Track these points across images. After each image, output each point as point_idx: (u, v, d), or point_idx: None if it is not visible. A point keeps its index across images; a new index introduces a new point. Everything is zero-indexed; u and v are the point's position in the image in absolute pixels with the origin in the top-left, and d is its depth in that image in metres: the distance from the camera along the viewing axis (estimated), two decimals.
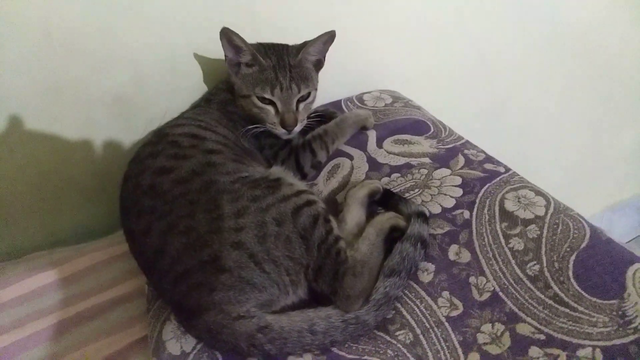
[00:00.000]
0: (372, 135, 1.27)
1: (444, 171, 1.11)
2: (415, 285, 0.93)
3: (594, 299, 0.82)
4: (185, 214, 0.88)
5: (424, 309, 0.89)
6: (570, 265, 0.87)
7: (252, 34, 1.15)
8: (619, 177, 2.77)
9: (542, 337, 0.80)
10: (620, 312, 0.80)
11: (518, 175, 1.08)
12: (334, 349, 0.85)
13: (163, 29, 1.21)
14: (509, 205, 0.99)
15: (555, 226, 0.94)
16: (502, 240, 0.94)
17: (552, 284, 0.86)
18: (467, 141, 1.23)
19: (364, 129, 1.29)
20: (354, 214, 1.02)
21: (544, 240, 0.92)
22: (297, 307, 0.90)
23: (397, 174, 1.13)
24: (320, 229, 0.90)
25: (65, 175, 1.25)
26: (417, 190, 1.08)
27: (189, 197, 0.90)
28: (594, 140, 2.52)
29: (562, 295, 0.84)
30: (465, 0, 1.69)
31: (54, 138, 1.19)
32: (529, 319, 0.83)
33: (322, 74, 1.23)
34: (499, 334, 0.83)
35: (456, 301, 0.88)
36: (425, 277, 0.93)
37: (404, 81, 1.64)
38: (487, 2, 1.74)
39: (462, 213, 1.01)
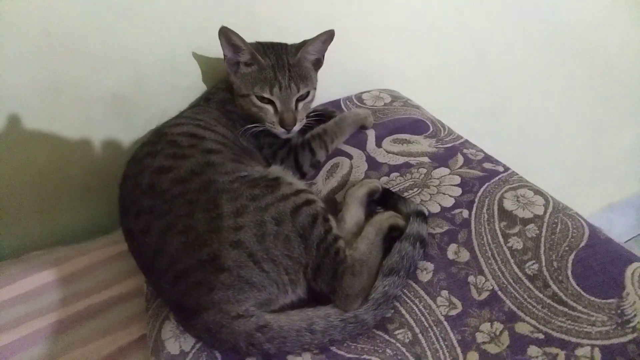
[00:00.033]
0: (371, 134, 1.27)
1: (443, 170, 1.11)
2: (414, 285, 0.93)
3: (593, 298, 0.82)
4: (184, 214, 0.88)
5: (422, 308, 0.89)
6: (569, 265, 0.87)
7: (252, 34, 1.16)
8: (618, 177, 2.77)
9: (541, 336, 0.80)
10: (618, 311, 0.80)
11: (517, 174, 1.08)
12: (333, 348, 0.85)
13: (163, 29, 1.21)
14: (508, 205, 0.99)
15: (554, 225, 0.94)
16: (501, 240, 0.94)
17: (551, 283, 0.86)
18: (466, 140, 1.23)
19: (363, 128, 1.29)
20: (353, 213, 1.02)
21: (542, 239, 0.92)
22: (296, 307, 0.90)
23: (396, 173, 1.13)
24: (319, 228, 0.90)
25: (65, 174, 1.25)
26: (416, 189, 1.08)
27: (188, 196, 0.90)
28: (594, 140, 2.52)
29: (561, 294, 0.84)
30: (465, 0, 1.69)
31: (53, 137, 1.19)
32: (527, 318, 0.83)
33: (322, 74, 1.23)
34: (497, 333, 0.82)
35: (455, 300, 0.88)
36: (424, 277, 0.93)
37: (404, 81, 1.64)
38: (487, 2, 1.75)
39: (461, 212, 1.01)
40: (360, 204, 1.04)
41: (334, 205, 1.09)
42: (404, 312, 0.89)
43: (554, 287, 0.85)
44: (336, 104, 1.46)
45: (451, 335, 0.84)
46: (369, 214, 1.04)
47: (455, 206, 1.03)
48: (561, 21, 1.98)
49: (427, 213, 1.01)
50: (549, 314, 0.82)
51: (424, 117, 1.34)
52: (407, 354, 0.83)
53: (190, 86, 1.30)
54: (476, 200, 1.02)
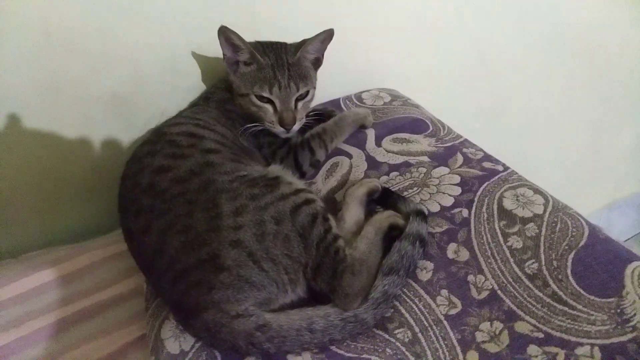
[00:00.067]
0: (370, 133, 1.27)
1: (443, 170, 1.12)
2: (413, 284, 0.92)
3: (593, 297, 0.82)
4: (183, 213, 0.88)
5: (422, 308, 0.89)
6: (569, 264, 0.87)
7: (252, 34, 1.16)
8: (618, 176, 2.77)
9: (541, 335, 0.80)
10: (618, 310, 0.80)
11: (517, 173, 1.08)
12: (333, 348, 0.85)
13: (163, 29, 1.21)
14: (508, 204, 0.99)
15: (554, 224, 0.94)
16: (501, 239, 0.94)
17: (551, 282, 0.86)
18: (466, 140, 1.23)
19: (362, 127, 1.29)
20: (353, 212, 1.02)
21: (542, 238, 0.92)
22: (296, 306, 0.89)
23: (396, 173, 1.13)
24: (319, 228, 0.90)
25: (64, 174, 1.25)
26: (415, 188, 1.08)
27: (187, 196, 0.90)
28: (594, 140, 2.52)
29: (561, 293, 0.84)
30: (465, 0, 1.69)
31: (53, 137, 1.19)
32: (527, 317, 0.83)
33: (322, 74, 1.23)
34: (497, 332, 0.82)
35: (455, 299, 0.88)
36: (424, 276, 0.93)
37: (404, 81, 1.64)
38: (487, 2, 1.75)
39: (460, 211, 1.01)
40: (360, 203, 1.04)
41: (333, 204, 1.09)
42: (403, 311, 0.89)
43: (553, 286, 0.85)
44: (336, 103, 1.47)
45: (451, 334, 0.84)
46: (369, 213, 1.04)
47: (455, 205, 1.03)
48: (561, 21, 1.98)
49: (426, 212, 1.01)
50: (549, 313, 0.82)
51: (424, 116, 1.34)
52: (406, 353, 0.83)
53: (189, 86, 1.30)
54: (476, 199, 1.02)
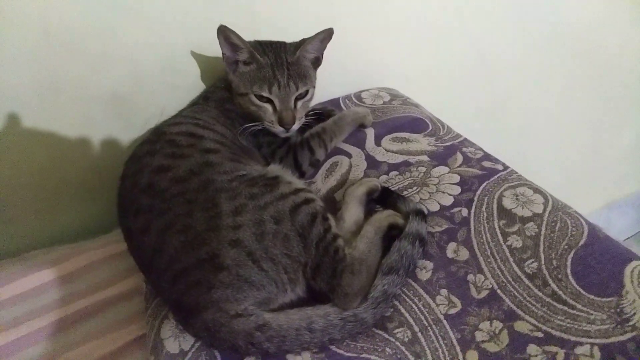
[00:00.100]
0: (370, 133, 1.27)
1: (442, 169, 1.11)
2: (413, 283, 0.92)
3: (592, 297, 0.82)
4: (183, 213, 0.88)
5: (422, 307, 0.89)
6: (568, 263, 0.87)
7: (252, 34, 1.16)
8: (618, 176, 2.77)
9: (541, 334, 0.80)
10: (618, 310, 0.79)
11: (516, 172, 1.08)
12: (333, 347, 0.85)
13: (163, 29, 1.21)
14: (507, 203, 0.99)
15: (554, 224, 0.94)
16: (500, 238, 0.94)
17: (550, 281, 0.86)
18: (465, 139, 1.23)
19: (362, 126, 1.29)
20: (352, 212, 1.02)
21: (542, 237, 0.92)
22: (296, 305, 0.89)
23: (396, 172, 1.13)
24: (319, 227, 0.90)
25: (64, 173, 1.25)
26: (415, 188, 1.08)
27: (186, 196, 0.90)
28: (594, 140, 2.52)
29: (560, 292, 0.84)
30: (465, 0, 1.69)
31: (52, 137, 1.19)
32: (527, 317, 0.83)
33: (322, 73, 1.23)
34: (497, 331, 0.82)
35: (454, 299, 0.88)
36: (424, 275, 0.93)
37: (404, 81, 1.64)
38: (487, 2, 1.75)
39: (460, 211, 1.01)
40: (360, 203, 1.04)
41: (333, 204, 1.09)
42: (403, 310, 0.89)
43: (553, 285, 0.85)
44: (335, 102, 1.46)
45: (450, 334, 0.84)
46: (368, 212, 1.04)
47: (455, 205, 1.02)
48: (561, 21, 1.98)
49: (426, 212, 1.01)
50: (549, 312, 0.82)
51: (423, 115, 1.34)
52: (406, 352, 0.83)
53: (189, 85, 1.30)
54: (475, 198, 1.02)
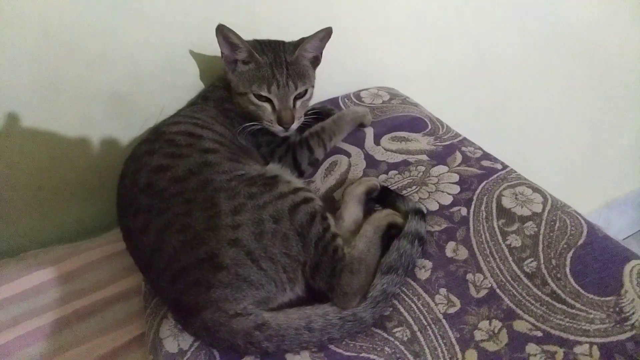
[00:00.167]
0: (369, 132, 1.27)
1: (442, 168, 1.11)
2: (412, 283, 0.92)
3: (591, 296, 0.82)
4: (182, 212, 0.88)
5: (421, 306, 0.88)
6: (568, 262, 0.87)
7: (252, 34, 1.16)
8: (617, 175, 2.77)
9: (540, 334, 0.80)
10: (617, 309, 0.79)
11: (515, 172, 1.08)
12: (332, 346, 0.85)
13: (162, 29, 1.21)
14: (506, 202, 0.99)
15: (553, 223, 0.94)
16: (500, 237, 0.94)
17: (549, 280, 0.86)
18: (465, 138, 1.23)
19: (361, 126, 1.29)
20: (352, 211, 1.02)
21: (541, 237, 0.92)
22: (295, 305, 0.89)
23: (395, 171, 1.13)
24: (318, 227, 0.90)
25: (63, 173, 1.25)
26: (414, 187, 1.08)
27: (185, 195, 0.90)
28: (593, 139, 2.52)
29: (559, 292, 0.84)
30: (465, 0, 1.69)
31: (51, 136, 1.19)
32: (526, 316, 0.83)
33: (322, 73, 1.23)
34: (496, 331, 0.82)
35: (453, 298, 0.88)
36: (423, 274, 0.93)
37: (403, 81, 1.64)
38: (487, 2, 1.75)
39: (459, 210, 1.01)
40: (359, 202, 1.04)
41: (332, 203, 1.09)
42: (402, 310, 0.89)
43: (552, 284, 0.85)
44: (334, 101, 1.46)
45: (450, 333, 0.84)
46: (368, 212, 1.04)
47: (454, 204, 1.02)
48: (561, 21, 1.97)
49: (425, 211, 1.01)
50: (548, 311, 0.82)
51: (423, 114, 1.34)
52: (405, 352, 0.83)
53: (188, 84, 1.30)
54: (474, 198, 1.02)
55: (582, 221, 0.94)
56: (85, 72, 1.17)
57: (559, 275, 0.86)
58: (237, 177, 0.93)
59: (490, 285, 0.88)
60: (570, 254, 0.88)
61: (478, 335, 0.82)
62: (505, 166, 1.10)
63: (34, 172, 1.21)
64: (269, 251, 0.87)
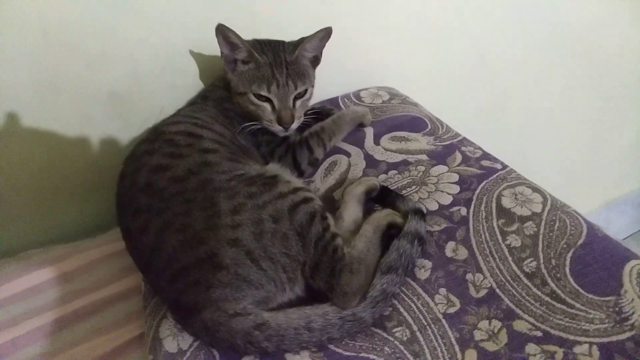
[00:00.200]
0: (369, 132, 1.27)
1: (441, 168, 1.11)
2: (412, 282, 0.92)
3: (591, 296, 0.82)
4: (181, 212, 0.88)
5: (420, 306, 0.88)
6: (567, 262, 0.87)
7: (252, 34, 1.16)
8: (617, 175, 2.77)
9: (539, 333, 0.80)
10: (617, 309, 0.79)
11: (515, 172, 1.08)
12: (331, 346, 0.85)
13: (162, 28, 1.21)
14: (506, 202, 0.99)
15: (552, 223, 0.94)
16: (499, 237, 0.94)
17: (549, 280, 0.86)
18: (464, 138, 1.23)
19: (361, 125, 1.29)
20: (351, 211, 1.02)
21: (540, 237, 0.92)
22: (294, 304, 0.90)
23: (394, 171, 1.13)
24: (317, 226, 0.90)
25: (62, 172, 1.25)
26: (414, 187, 1.08)
27: (185, 195, 0.90)
28: (593, 139, 2.52)
29: (559, 292, 0.84)
30: (465, 0, 1.69)
31: (50, 135, 1.19)
32: (525, 316, 0.83)
33: (322, 73, 1.23)
34: (495, 330, 0.82)
35: (453, 298, 0.88)
36: (422, 274, 0.93)
37: (403, 81, 1.64)
38: (487, 2, 1.75)
39: (459, 210, 1.01)
40: (358, 202, 1.04)
41: (332, 203, 1.09)
42: (402, 310, 0.89)
43: (552, 284, 0.85)
44: (334, 101, 1.46)
45: (449, 333, 0.84)
46: (367, 211, 1.04)
47: (454, 204, 1.02)
48: (561, 21, 1.98)
49: (425, 211, 1.01)
50: (547, 311, 0.82)
51: (422, 114, 1.34)
52: (405, 351, 0.83)
53: (188, 84, 1.30)
54: (474, 197, 1.02)
55: (582, 221, 0.93)
56: (85, 72, 1.17)
57: (558, 275, 0.86)
58: (236, 176, 0.93)
59: (489, 285, 0.88)
60: (570, 254, 0.88)
61: (478, 335, 0.82)
62: (505, 166, 1.10)
63: (34, 172, 1.21)
64: (268, 251, 0.87)
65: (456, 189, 1.05)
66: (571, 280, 0.85)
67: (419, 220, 0.96)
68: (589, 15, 2.04)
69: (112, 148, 1.27)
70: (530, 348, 0.79)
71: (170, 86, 1.27)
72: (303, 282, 0.91)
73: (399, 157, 1.17)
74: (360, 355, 0.83)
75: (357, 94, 1.49)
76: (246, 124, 1.13)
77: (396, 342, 0.84)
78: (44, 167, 1.22)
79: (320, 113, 1.31)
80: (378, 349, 0.84)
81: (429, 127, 1.27)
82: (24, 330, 0.99)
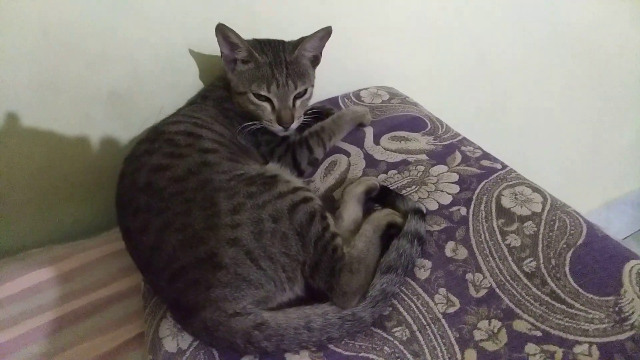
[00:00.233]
0: (369, 131, 1.27)
1: (441, 168, 1.11)
2: (411, 282, 0.92)
3: (591, 296, 0.82)
4: (181, 212, 0.88)
5: (420, 306, 0.88)
6: (567, 262, 0.87)
7: (252, 34, 1.16)
8: (617, 175, 2.77)
9: (539, 333, 0.80)
10: (616, 309, 0.79)
11: (515, 171, 1.08)
12: (331, 346, 0.85)
13: (162, 28, 1.21)
14: (506, 202, 0.99)
15: (552, 223, 0.93)
16: (499, 237, 0.94)
17: (549, 280, 0.86)
18: (464, 138, 1.23)
19: (361, 125, 1.29)
20: (351, 210, 1.02)
21: (540, 236, 0.92)
22: (294, 304, 0.89)
23: (394, 171, 1.13)
24: (317, 226, 0.90)
25: (62, 172, 1.25)
26: (414, 187, 1.08)
27: (185, 195, 0.90)
28: (593, 139, 2.53)
29: (559, 291, 0.84)
30: (465, 0, 1.69)
31: (50, 135, 1.19)
32: (525, 316, 0.83)
33: (322, 73, 1.23)
34: (495, 330, 0.82)
35: (453, 298, 0.88)
36: (422, 274, 0.93)
37: (403, 81, 1.64)
38: (487, 2, 1.75)
39: (458, 210, 1.01)
40: (358, 202, 1.04)
41: (331, 202, 1.09)
42: (401, 309, 0.89)
43: (551, 284, 0.85)
44: (334, 101, 1.46)
45: (449, 332, 0.84)
46: (367, 211, 1.04)
47: (453, 203, 1.02)
48: (561, 21, 1.98)
49: (425, 210, 1.01)
50: (547, 311, 0.82)
51: (422, 114, 1.34)
52: (404, 351, 0.83)
53: (188, 84, 1.29)
54: (474, 197, 1.02)
55: (582, 221, 0.93)
56: (85, 71, 1.17)
57: (558, 275, 0.86)
58: (236, 176, 0.93)
59: (489, 284, 0.88)
60: (569, 254, 0.88)
61: (477, 335, 0.82)
62: (504, 166, 1.10)
63: (33, 172, 1.21)
64: (268, 250, 0.87)
65: (456, 188, 1.05)
66: (571, 280, 0.85)
67: (419, 220, 0.96)
68: (589, 15, 2.04)
69: (112, 148, 1.27)
70: (530, 348, 0.78)
71: (170, 86, 1.27)
72: (303, 281, 0.91)
73: (398, 157, 1.17)
74: (360, 355, 0.83)
75: (357, 94, 1.49)
76: (246, 124, 1.13)
77: (396, 341, 0.84)
78: (43, 167, 1.22)
79: (320, 113, 1.31)
80: (378, 349, 0.84)
81: (429, 126, 1.27)
82: (24, 329, 0.99)
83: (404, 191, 1.07)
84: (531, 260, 0.89)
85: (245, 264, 0.85)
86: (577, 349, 0.76)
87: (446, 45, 1.75)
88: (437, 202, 1.03)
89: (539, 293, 0.85)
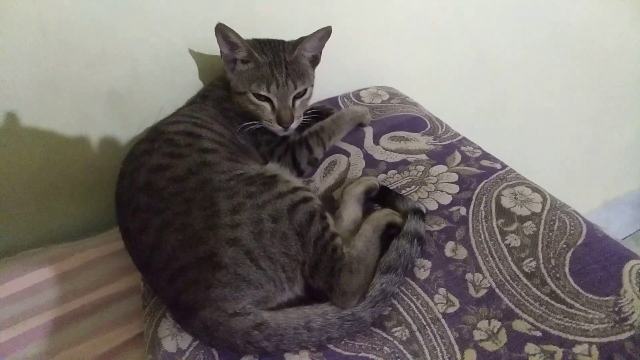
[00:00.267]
0: (368, 131, 1.27)
1: (441, 168, 1.11)
2: (411, 282, 0.92)
3: (590, 296, 0.82)
4: (181, 211, 0.88)
5: (420, 306, 0.88)
6: (567, 262, 0.87)
7: (252, 34, 1.16)
8: (616, 175, 2.78)
9: (539, 333, 0.80)
10: (616, 309, 0.79)
11: (515, 171, 1.08)
12: (330, 346, 0.85)
13: (162, 27, 1.21)
14: (506, 202, 0.99)
15: (552, 223, 0.93)
16: (499, 237, 0.94)
17: (549, 280, 0.86)
18: (464, 138, 1.23)
19: (360, 125, 1.29)
20: (351, 210, 1.02)
21: (540, 236, 0.92)
22: (294, 304, 0.89)
23: (394, 171, 1.13)
24: (317, 226, 0.90)
25: (61, 171, 1.25)
26: (413, 187, 1.08)
27: (184, 195, 0.90)
28: (593, 139, 2.53)
29: (559, 291, 0.84)
30: (465, 0, 1.69)
31: (49, 134, 1.19)
32: (525, 316, 0.83)
33: (321, 72, 1.23)
34: (495, 330, 0.82)
35: (452, 298, 0.88)
36: (422, 274, 0.93)
37: (403, 81, 1.64)
38: (487, 2, 1.75)
39: (458, 210, 1.01)
40: (358, 202, 1.04)
41: (331, 202, 1.09)
42: (401, 309, 0.89)
43: (551, 284, 0.85)
44: (334, 101, 1.46)
45: (449, 332, 0.84)
46: (367, 211, 1.04)
47: (453, 203, 1.02)
48: (561, 21, 1.98)
49: (424, 210, 1.01)
50: (547, 311, 0.82)
51: (422, 114, 1.34)
52: (404, 351, 0.83)
53: (187, 83, 1.30)
54: (474, 197, 1.02)
55: (582, 221, 0.94)
56: (85, 71, 1.17)
57: (558, 275, 0.86)
58: (236, 176, 0.93)
59: (489, 285, 0.88)
60: (569, 254, 0.88)
61: (477, 335, 0.82)
62: (504, 166, 1.10)
63: (32, 171, 1.21)
64: (268, 250, 0.87)
65: (456, 188, 1.05)
66: (570, 280, 0.85)
67: (419, 220, 0.96)
68: (589, 15, 2.04)
69: (112, 147, 1.27)
70: (530, 348, 0.78)
71: (169, 86, 1.27)
72: (302, 281, 0.91)
73: (398, 157, 1.17)
74: (360, 354, 0.83)
75: (356, 94, 1.49)
76: (246, 124, 1.13)
77: (395, 341, 0.84)
78: (43, 166, 1.22)
79: (320, 113, 1.31)
80: (377, 349, 0.84)
81: (429, 126, 1.27)
82: (23, 329, 0.99)
83: (403, 191, 1.07)
84: (531, 260, 0.89)
85: (245, 264, 0.85)
86: (577, 349, 0.76)
87: (446, 45, 1.75)
88: (437, 202, 1.03)
89: (538, 293, 0.85)
